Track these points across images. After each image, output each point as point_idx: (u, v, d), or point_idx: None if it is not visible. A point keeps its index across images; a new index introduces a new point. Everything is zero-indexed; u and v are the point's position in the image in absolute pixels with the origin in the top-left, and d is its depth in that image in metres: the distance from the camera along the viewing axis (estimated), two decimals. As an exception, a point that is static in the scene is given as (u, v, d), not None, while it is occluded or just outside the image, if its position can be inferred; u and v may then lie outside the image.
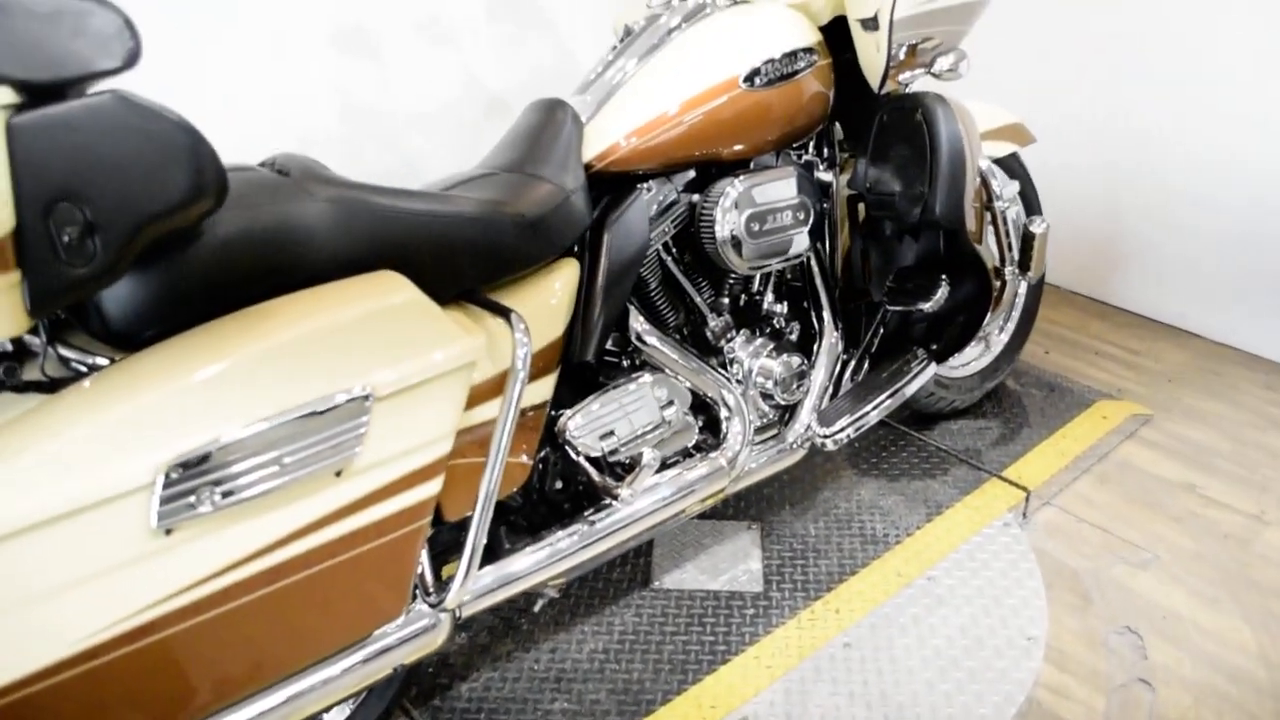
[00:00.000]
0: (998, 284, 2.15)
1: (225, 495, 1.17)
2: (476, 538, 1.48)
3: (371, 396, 1.25)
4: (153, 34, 2.44)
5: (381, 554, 1.35)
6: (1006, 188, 2.11)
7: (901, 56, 1.96)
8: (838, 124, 2.13)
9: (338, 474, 1.26)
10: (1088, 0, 3.14)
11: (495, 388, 1.49)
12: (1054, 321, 3.23)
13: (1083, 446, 2.54)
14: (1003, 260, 2.19)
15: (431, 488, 1.37)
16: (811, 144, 2.13)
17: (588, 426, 1.68)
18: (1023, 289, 2.65)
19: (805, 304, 2.11)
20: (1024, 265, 2.20)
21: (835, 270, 2.14)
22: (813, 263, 2.10)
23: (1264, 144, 2.86)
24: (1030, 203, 2.59)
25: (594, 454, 1.69)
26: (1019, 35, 3.30)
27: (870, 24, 1.85)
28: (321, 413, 1.22)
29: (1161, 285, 3.21)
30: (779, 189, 1.89)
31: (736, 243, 1.84)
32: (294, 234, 1.31)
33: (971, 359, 2.61)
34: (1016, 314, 2.66)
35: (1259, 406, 2.77)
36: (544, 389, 1.64)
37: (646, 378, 1.77)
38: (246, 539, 1.22)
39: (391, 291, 1.34)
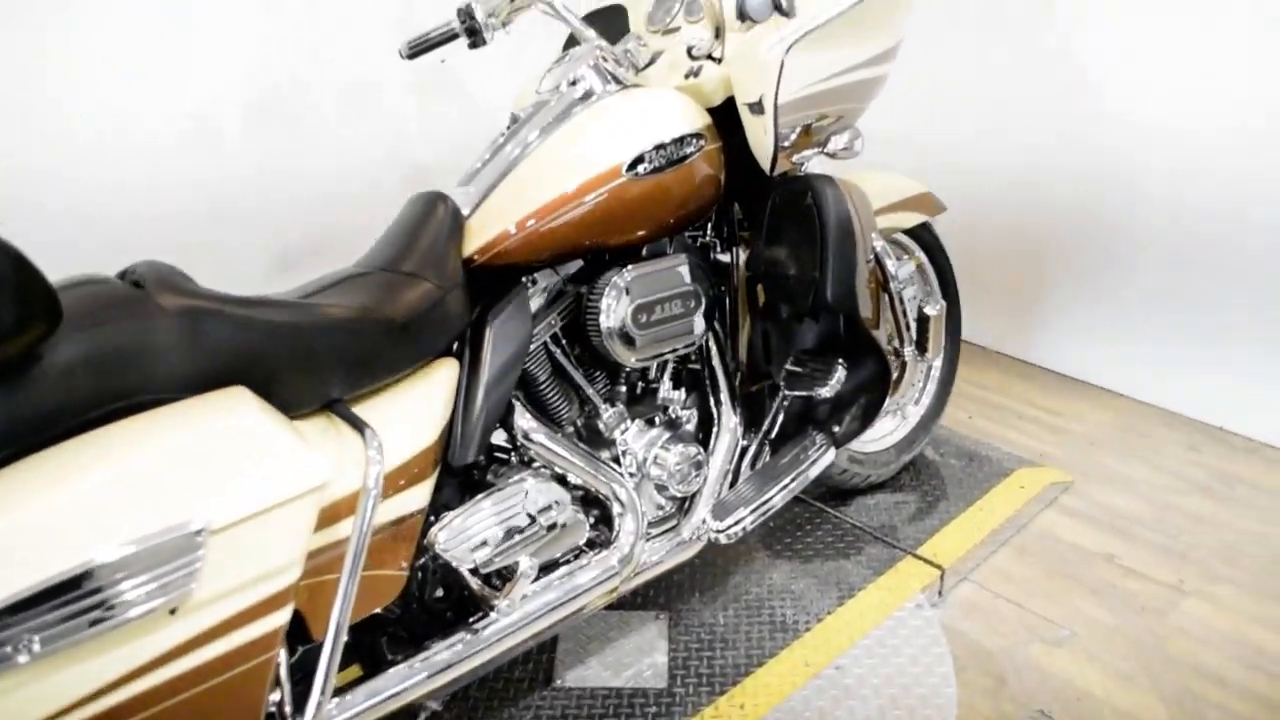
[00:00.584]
0: (897, 366, 2.12)
1: (45, 643, 1.10)
2: (329, 665, 1.41)
3: (205, 530, 1.19)
4: (59, 98, 2.41)
5: (228, 689, 1.28)
6: (902, 268, 2.09)
7: (793, 138, 1.93)
8: (736, 204, 2.10)
9: (172, 612, 1.20)
10: (1005, 58, 3.16)
11: (355, 504, 1.44)
12: (978, 384, 3.22)
13: (1000, 519, 2.50)
14: (901, 341, 2.17)
15: (279, 618, 1.30)
16: (710, 225, 2.10)
17: (457, 538, 1.63)
18: (937, 361, 2.63)
19: (706, 389, 2.07)
20: (921, 347, 2.18)
21: (736, 353, 2.11)
22: (712, 347, 2.06)
23: (1180, 201, 2.87)
24: (944, 271, 2.58)
25: (468, 565, 1.64)
26: (934, 92, 3.32)
27: (756, 108, 1.83)
28: (150, 550, 1.16)
29: (1084, 344, 3.21)
30: (668, 277, 1.86)
31: (624, 335, 1.80)
32: (142, 351, 1.26)
33: (886, 433, 2.58)
34: (932, 385, 2.63)
35: (1181, 469, 2.76)
36: (419, 496, 1.58)
37: (527, 482, 1.72)
38: (72, 686, 1.15)
39: (235, 413, 1.28)
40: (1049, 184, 3.14)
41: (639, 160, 1.79)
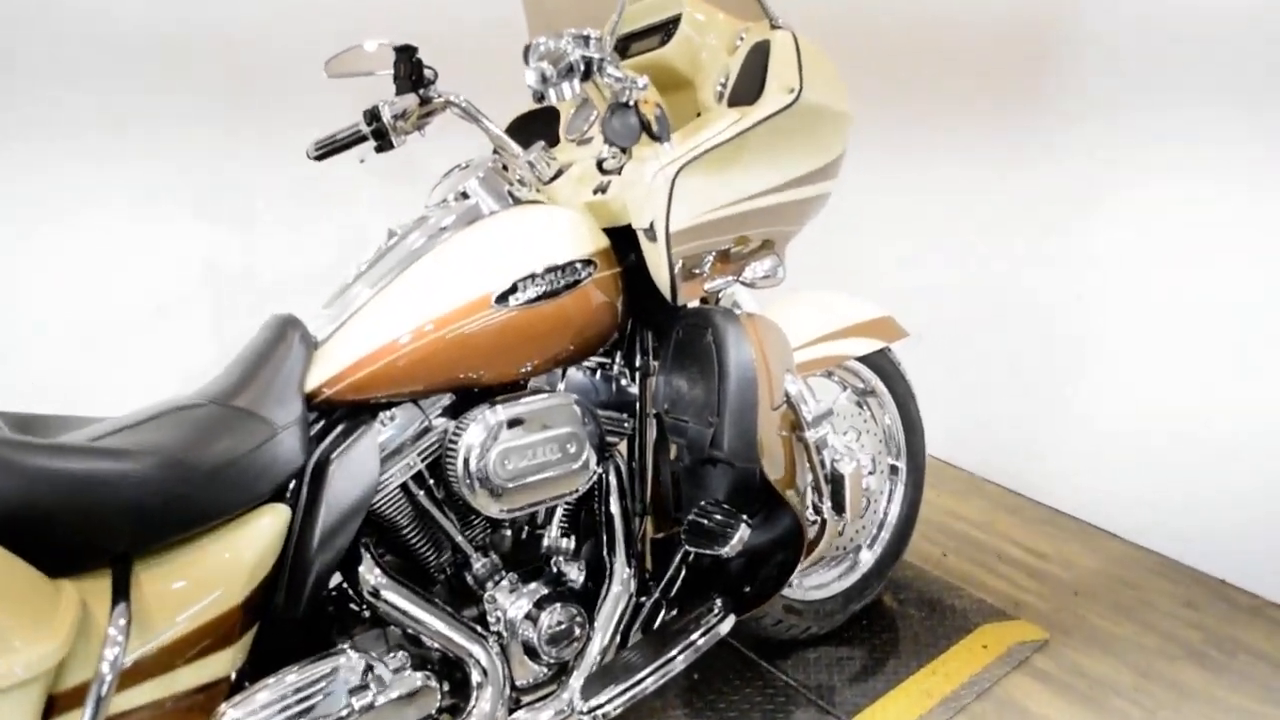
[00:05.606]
0: (815, 525, 1.90)
1: None
2: None
3: None
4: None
5: None
6: (820, 413, 1.87)
7: (706, 266, 1.75)
8: (649, 331, 1.91)
9: None
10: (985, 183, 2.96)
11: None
12: (958, 515, 2.96)
13: (956, 683, 2.23)
14: (820, 495, 1.93)
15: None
16: (620, 352, 1.91)
17: (252, 717, 1.42)
18: (899, 495, 2.40)
19: (600, 536, 1.86)
20: (837, 506, 1.94)
21: (644, 494, 1.90)
22: (611, 486, 1.85)
23: (1180, 339, 2.63)
24: (904, 402, 2.35)
25: None
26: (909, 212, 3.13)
27: (649, 234, 1.65)
28: None
29: (1076, 475, 2.94)
30: (545, 416, 1.66)
31: (487, 482, 1.61)
32: None
33: (833, 578, 2.33)
34: (888, 532, 2.38)
35: (1173, 629, 2.47)
36: (220, 663, 1.39)
37: (344, 655, 1.51)
38: None
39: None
40: (1039, 301, 2.92)
41: (510, 291, 1.61)
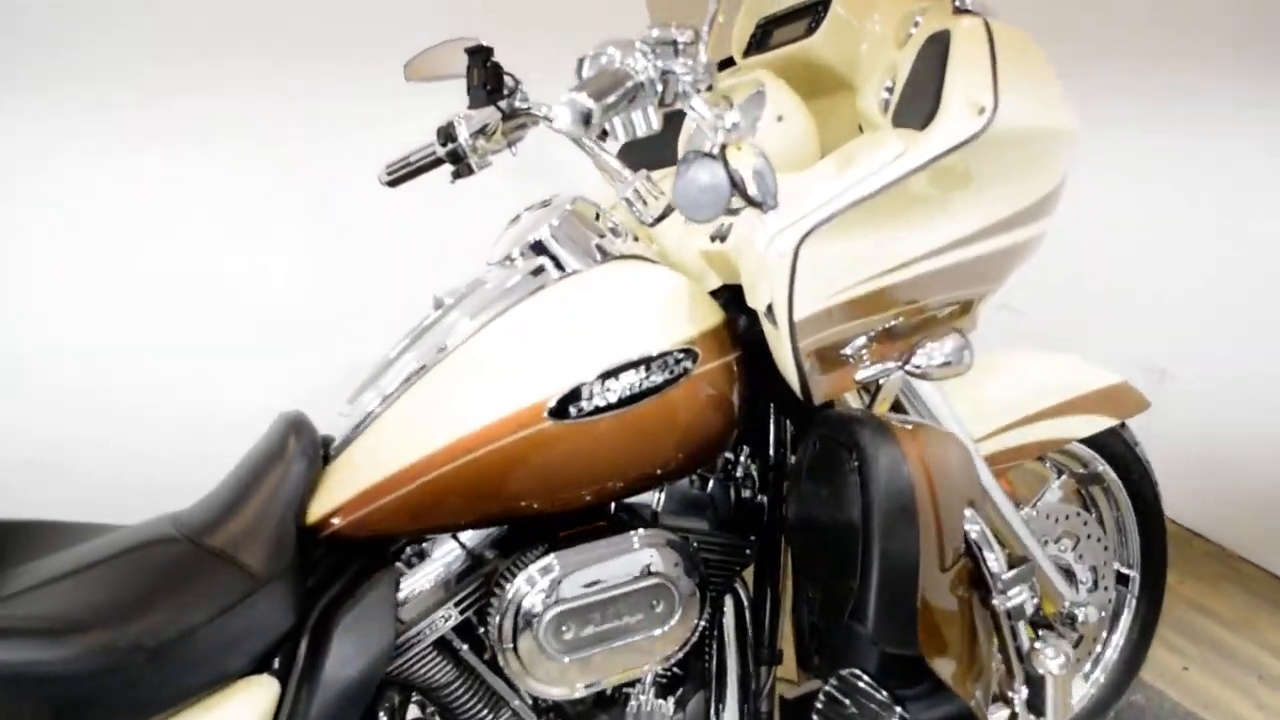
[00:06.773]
0: (1001, 715, 1.38)
1: None
2: None
3: None
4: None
5: None
6: (1020, 572, 1.32)
7: (860, 351, 1.27)
8: (788, 420, 1.45)
9: None
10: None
11: None
12: (1207, 610, 2.33)
13: None
14: (1010, 675, 1.40)
15: None
16: (745, 448, 1.45)
17: None
18: (1128, 615, 1.84)
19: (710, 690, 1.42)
20: (1036, 709, 1.40)
21: (775, 639, 1.44)
22: (729, 629, 1.41)
23: None
24: (1139, 492, 1.78)
25: None
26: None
27: (769, 316, 1.19)
28: None
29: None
30: (622, 564, 1.24)
31: (538, 657, 1.20)
32: None
33: (1033, 723, 1.80)
34: (1105, 669, 1.82)
35: None
36: None
37: None
38: None
39: None
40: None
41: (571, 398, 1.18)
